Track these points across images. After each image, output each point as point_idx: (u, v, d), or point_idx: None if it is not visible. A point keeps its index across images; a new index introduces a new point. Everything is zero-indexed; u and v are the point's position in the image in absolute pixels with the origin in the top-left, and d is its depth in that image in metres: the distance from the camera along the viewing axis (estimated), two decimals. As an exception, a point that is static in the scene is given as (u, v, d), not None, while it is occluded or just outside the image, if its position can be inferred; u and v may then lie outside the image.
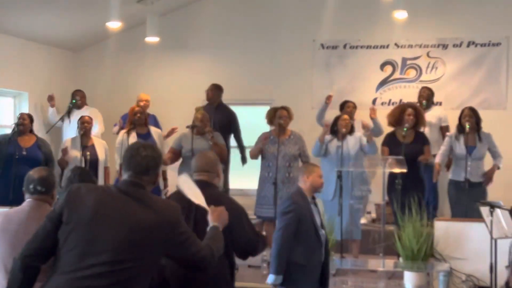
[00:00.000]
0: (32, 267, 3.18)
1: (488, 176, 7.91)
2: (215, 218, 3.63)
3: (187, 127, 8.05)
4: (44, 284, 3.14)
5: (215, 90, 9.19)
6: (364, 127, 8.15)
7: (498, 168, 7.96)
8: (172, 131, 8.97)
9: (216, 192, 4.23)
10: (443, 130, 8.79)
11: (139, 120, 8.24)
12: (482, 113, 7.99)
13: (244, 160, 9.13)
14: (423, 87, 9.19)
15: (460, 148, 7.82)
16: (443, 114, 8.97)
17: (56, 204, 3.27)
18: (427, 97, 8.93)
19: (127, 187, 3.26)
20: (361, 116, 9.25)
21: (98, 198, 3.19)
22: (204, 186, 4.06)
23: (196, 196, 3.79)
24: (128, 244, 3.10)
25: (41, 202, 4.09)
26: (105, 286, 3.05)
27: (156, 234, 3.16)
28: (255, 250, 4.24)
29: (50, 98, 9.59)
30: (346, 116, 8.05)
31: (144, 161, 3.29)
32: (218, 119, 8.84)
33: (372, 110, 8.89)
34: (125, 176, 3.32)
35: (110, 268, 3.05)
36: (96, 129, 9.10)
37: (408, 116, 7.93)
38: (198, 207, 3.78)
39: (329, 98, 9.03)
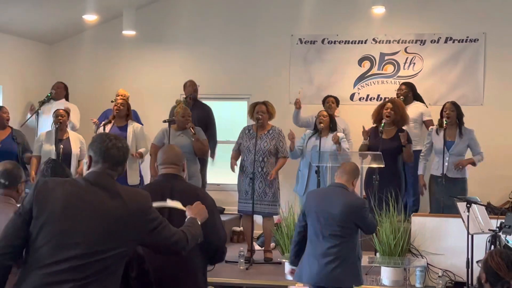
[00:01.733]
0: (5, 266, 3.14)
1: (461, 162, 7.76)
2: (194, 213, 3.62)
3: (164, 121, 7.98)
4: (18, 281, 3.10)
5: (193, 86, 9.16)
6: (335, 141, 7.91)
7: (474, 164, 7.94)
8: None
9: (188, 184, 4.19)
10: (427, 124, 8.74)
11: (117, 111, 8.20)
12: (461, 109, 7.99)
13: (213, 155, 9.08)
14: (400, 85, 9.14)
15: (440, 142, 7.80)
16: (424, 108, 8.96)
17: (24, 199, 3.21)
18: (404, 94, 8.88)
19: (96, 179, 3.23)
20: (340, 112, 9.26)
21: (67, 191, 3.16)
22: (173, 178, 4.02)
23: (172, 202, 3.77)
24: (101, 235, 3.09)
25: (4, 196, 4.03)
26: (80, 279, 3.02)
27: (128, 223, 3.16)
28: (223, 251, 4.08)
29: (31, 109, 9.48)
30: (324, 113, 8.06)
31: (121, 153, 3.30)
32: (196, 114, 8.79)
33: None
34: (97, 167, 3.27)
35: (85, 261, 3.04)
36: (71, 125, 9.01)
37: (385, 111, 7.90)
38: (172, 208, 3.76)
39: (297, 102, 8.95)
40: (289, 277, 5.60)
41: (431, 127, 8.30)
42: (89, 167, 3.29)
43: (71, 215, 3.09)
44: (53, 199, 3.12)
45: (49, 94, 9.32)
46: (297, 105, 8.86)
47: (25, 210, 3.16)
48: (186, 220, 3.58)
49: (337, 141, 7.71)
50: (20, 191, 4.19)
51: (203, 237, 3.59)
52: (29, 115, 9.47)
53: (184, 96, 9.12)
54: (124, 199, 3.19)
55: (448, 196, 7.13)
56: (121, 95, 9.11)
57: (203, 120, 8.84)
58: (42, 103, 9.18)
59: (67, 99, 9.55)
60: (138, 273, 3.70)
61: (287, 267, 5.61)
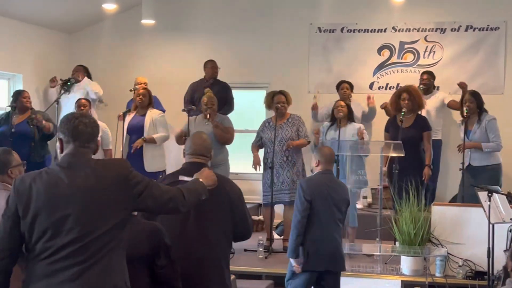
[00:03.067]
0: (5, 271, 3.14)
1: (464, 145, 7.65)
2: (200, 177, 3.64)
3: (183, 110, 7.99)
4: (26, 277, 3.12)
5: (214, 66, 9.20)
6: (360, 137, 7.93)
7: (481, 149, 7.68)
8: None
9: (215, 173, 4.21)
10: (451, 104, 8.81)
11: (140, 102, 8.21)
12: (481, 97, 7.92)
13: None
14: (422, 73, 9.11)
15: (462, 132, 7.78)
16: (445, 94, 9.00)
17: (8, 201, 3.20)
18: (427, 83, 8.88)
19: (70, 160, 3.18)
20: (359, 101, 9.24)
21: (46, 182, 3.12)
22: (199, 167, 4.04)
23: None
24: (90, 213, 3.07)
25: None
26: (84, 261, 3.03)
27: (113, 194, 3.14)
28: (249, 234, 4.23)
29: (52, 80, 9.55)
30: (341, 103, 7.98)
31: (89, 128, 3.25)
32: (216, 94, 8.83)
33: (369, 99, 9.07)
34: (69, 148, 3.22)
35: (82, 243, 3.04)
36: (96, 95, 9.31)
37: (403, 101, 7.83)
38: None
39: (314, 106, 9.08)
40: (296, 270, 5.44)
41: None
42: (61, 150, 3.24)
43: (57, 204, 3.07)
44: (35, 194, 3.10)
45: (68, 83, 9.35)
46: (315, 108, 9.04)
47: (11, 212, 3.14)
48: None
49: (362, 137, 7.68)
50: (13, 176, 4.22)
51: (207, 194, 3.59)
52: (53, 96, 9.48)
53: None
54: (102, 172, 3.16)
55: (470, 185, 7.08)
56: (141, 83, 9.15)
57: (221, 96, 8.87)
58: (66, 89, 9.22)
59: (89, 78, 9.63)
60: (164, 263, 3.74)
61: (293, 262, 5.38)
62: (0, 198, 3.89)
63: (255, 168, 8.02)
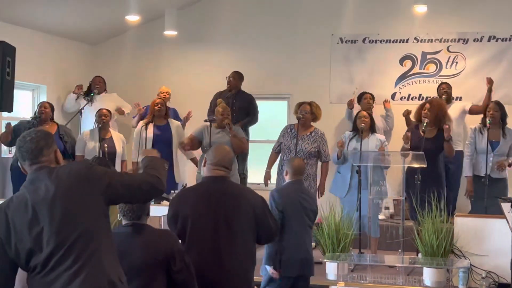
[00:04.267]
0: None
1: (501, 163, 7.71)
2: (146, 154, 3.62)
3: (205, 121, 8.02)
4: None
5: (237, 77, 9.25)
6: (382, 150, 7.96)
7: (510, 165, 7.84)
8: (188, 115, 9.11)
9: (236, 187, 4.27)
10: (472, 109, 8.85)
11: (159, 111, 8.27)
12: (505, 109, 7.88)
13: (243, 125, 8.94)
14: (440, 84, 9.08)
15: (483, 142, 7.73)
16: (465, 103, 8.99)
17: None
18: (445, 93, 8.85)
19: (29, 179, 3.20)
20: (380, 111, 9.23)
21: (16, 206, 3.13)
22: (223, 181, 4.10)
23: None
24: (59, 221, 3.07)
25: None
26: (69, 267, 3.04)
27: (78, 194, 3.13)
28: (273, 239, 4.52)
29: (79, 88, 9.65)
30: (364, 113, 7.96)
31: (33, 144, 3.23)
32: (238, 105, 8.90)
33: (386, 102, 9.29)
34: (27, 168, 3.24)
35: (62, 251, 3.05)
36: (126, 111, 9.52)
37: (423, 111, 7.77)
38: None
39: (351, 102, 9.13)
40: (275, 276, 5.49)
41: (473, 126, 8.19)
42: (25, 172, 3.25)
43: (30, 223, 3.09)
44: (11, 222, 3.11)
45: (92, 94, 9.45)
46: (350, 105, 9.03)
47: None
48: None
49: (382, 149, 7.67)
50: None
51: (167, 162, 3.59)
52: (71, 101, 9.61)
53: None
54: (62, 177, 3.15)
55: (493, 196, 7.03)
56: (165, 92, 9.24)
57: (244, 108, 8.88)
58: (86, 96, 9.33)
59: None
60: (180, 267, 3.79)
61: (269, 269, 5.44)
62: None
63: (265, 184, 8.13)
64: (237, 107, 8.86)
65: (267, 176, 8.14)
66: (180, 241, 4.04)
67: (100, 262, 3.11)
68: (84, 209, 3.14)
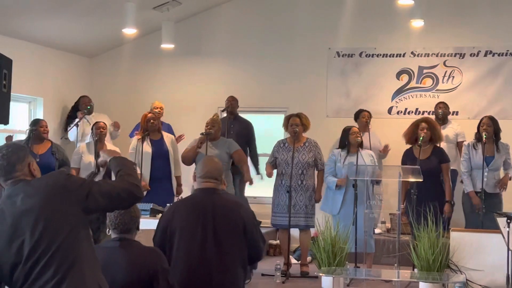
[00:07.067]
0: None
1: (503, 182, 7.79)
2: (109, 155, 3.55)
3: (201, 134, 8.02)
4: None
5: (234, 101, 9.23)
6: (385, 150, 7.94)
7: (510, 178, 7.87)
8: (180, 138, 9.04)
9: (227, 199, 4.22)
10: (460, 145, 8.63)
11: (152, 126, 8.25)
12: (499, 123, 7.89)
13: (258, 171, 9.11)
14: (438, 103, 9.07)
15: (478, 157, 7.72)
16: (459, 129, 8.90)
17: None
18: (443, 114, 8.85)
19: (6, 194, 3.19)
20: (376, 125, 9.23)
21: None
22: (213, 193, 4.06)
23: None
24: (38, 232, 3.04)
25: None
26: (52, 277, 3.01)
27: (55, 205, 3.11)
28: (260, 258, 4.32)
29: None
30: (355, 129, 7.91)
31: (5, 161, 3.23)
32: (236, 130, 8.87)
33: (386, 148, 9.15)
34: (3, 184, 3.23)
35: (43, 261, 3.02)
36: (115, 134, 9.36)
37: (421, 131, 7.73)
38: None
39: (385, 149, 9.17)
40: None
41: (465, 142, 8.20)
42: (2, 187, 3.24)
43: (9, 238, 3.07)
44: None
45: (88, 107, 9.45)
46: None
47: None
48: (109, 162, 3.47)
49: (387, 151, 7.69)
50: None
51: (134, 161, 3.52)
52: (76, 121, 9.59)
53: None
54: (39, 189, 3.14)
55: (489, 211, 7.03)
56: (159, 108, 9.21)
57: (243, 135, 8.88)
58: (86, 113, 9.34)
59: None
60: (163, 287, 3.71)
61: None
62: None
63: (269, 176, 8.12)
64: (236, 131, 8.84)
65: (270, 172, 8.11)
66: (167, 253, 4.00)
67: (81, 272, 3.08)
68: (63, 220, 3.11)
